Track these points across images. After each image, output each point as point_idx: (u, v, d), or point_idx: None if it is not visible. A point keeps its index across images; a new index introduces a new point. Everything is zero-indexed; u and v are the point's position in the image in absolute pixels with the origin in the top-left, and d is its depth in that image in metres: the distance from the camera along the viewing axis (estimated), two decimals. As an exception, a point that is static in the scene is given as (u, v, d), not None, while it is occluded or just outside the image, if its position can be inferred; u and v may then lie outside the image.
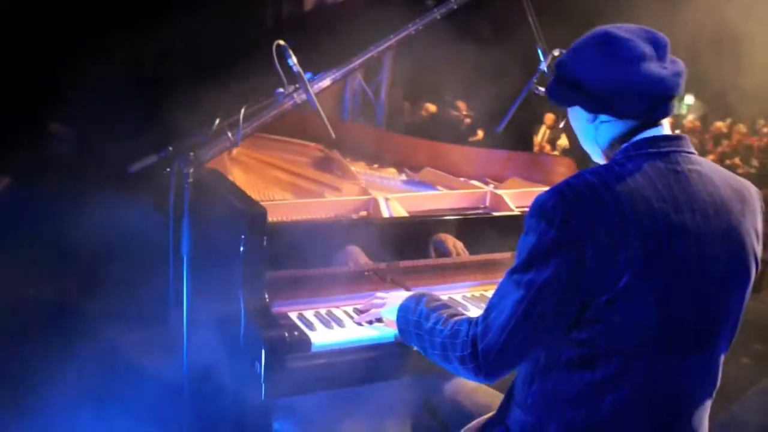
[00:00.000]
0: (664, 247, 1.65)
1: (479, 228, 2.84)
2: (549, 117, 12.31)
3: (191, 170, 2.43)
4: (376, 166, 3.98)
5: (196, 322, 2.51)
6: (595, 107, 1.77)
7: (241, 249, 2.30)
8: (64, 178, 4.42)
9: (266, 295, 2.33)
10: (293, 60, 2.60)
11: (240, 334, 2.30)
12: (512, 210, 3.07)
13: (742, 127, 11.71)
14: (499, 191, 3.23)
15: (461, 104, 10.69)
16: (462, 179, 3.68)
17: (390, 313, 2.22)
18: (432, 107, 10.07)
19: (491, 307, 1.77)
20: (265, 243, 2.33)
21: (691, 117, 13.68)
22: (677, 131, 3.39)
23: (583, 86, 1.75)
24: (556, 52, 3.35)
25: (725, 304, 1.76)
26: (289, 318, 2.39)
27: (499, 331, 1.71)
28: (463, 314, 1.93)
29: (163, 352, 2.72)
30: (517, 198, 3.20)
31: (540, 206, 1.70)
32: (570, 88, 1.79)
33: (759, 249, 1.81)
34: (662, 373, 1.72)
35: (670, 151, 1.75)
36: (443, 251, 2.80)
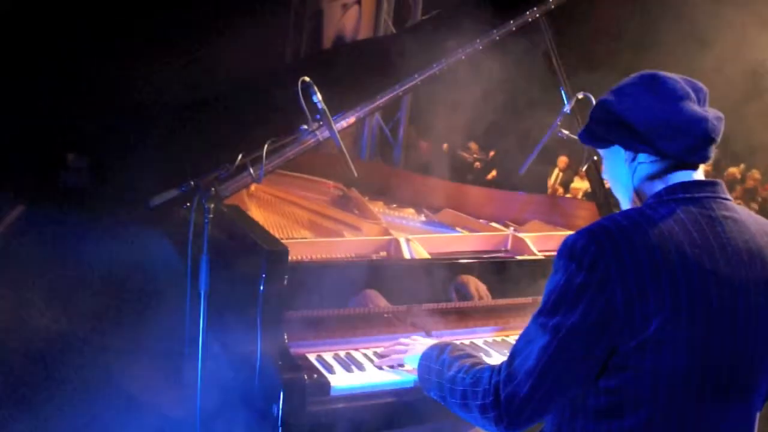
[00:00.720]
0: (697, 293, 1.60)
1: (502, 272, 2.78)
2: (562, 160, 12.30)
3: (212, 206, 2.38)
4: (395, 206, 3.94)
5: (211, 360, 2.45)
6: (636, 145, 1.75)
7: (261, 288, 2.25)
8: (78, 208, 4.40)
9: (285, 336, 2.27)
10: (318, 96, 2.57)
11: (256, 374, 2.23)
12: (535, 254, 3.02)
13: (756, 173, 11.66)
14: (521, 234, 3.18)
15: (473, 145, 10.71)
16: (482, 221, 3.63)
17: (412, 361, 2.16)
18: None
19: (515, 353, 1.71)
20: (285, 282, 2.28)
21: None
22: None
23: (627, 123, 1.74)
24: (580, 95, 3.33)
25: (762, 356, 1.70)
26: (307, 360, 2.33)
27: (525, 378, 1.65)
28: (484, 363, 1.87)
29: (175, 390, 2.65)
30: (539, 241, 3.16)
31: (570, 247, 1.66)
32: (612, 127, 1.78)
33: None
34: (693, 424, 1.65)
35: (705, 197, 1.71)
36: (465, 294, 2.74)
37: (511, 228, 3.59)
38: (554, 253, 3.09)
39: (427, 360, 2.03)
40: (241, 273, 2.39)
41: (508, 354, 2.53)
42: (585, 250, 1.62)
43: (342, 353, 2.42)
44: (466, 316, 2.72)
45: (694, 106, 1.71)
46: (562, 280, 1.64)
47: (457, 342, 2.09)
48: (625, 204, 1.87)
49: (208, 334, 2.40)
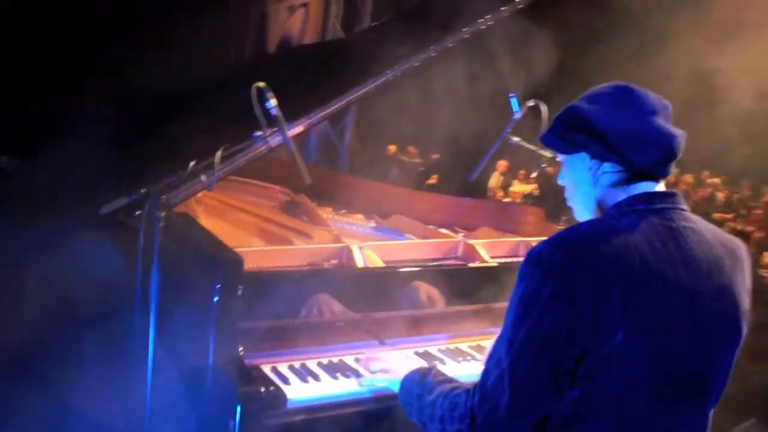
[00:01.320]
0: (661, 303, 1.62)
1: (454, 279, 2.78)
2: (501, 164, 12.45)
3: (163, 214, 2.32)
4: (344, 211, 3.91)
5: (161, 372, 2.38)
6: (605, 155, 1.75)
7: (216, 298, 2.20)
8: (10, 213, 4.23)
9: (240, 348, 2.22)
10: (272, 102, 2.53)
11: (209, 388, 2.18)
12: (486, 260, 3.03)
13: (689, 177, 12.02)
14: (471, 241, 3.19)
15: (412, 149, 10.74)
16: (431, 227, 3.64)
17: (393, 384, 2.13)
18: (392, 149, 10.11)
19: (486, 374, 1.70)
20: (240, 292, 2.23)
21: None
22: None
23: (598, 132, 1.73)
24: (531, 103, 3.36)
25: (717, 361, 1.73)
26: (262, 371, 2.28)
27: (499, 398, 1.64)
28: (464, 386, 1.85)
29: (123, 404, 2.57)
30: (489, 248, 3.17)
31: (537, 257, 1.66)
32: (581, 134, 1.77)
33: (748, 306, 1.80)
34: (655, 429, 1.68)
35: (665, 208, 1.73)
36: (416, 301, 2.73)
37: (461, 234, 3.61)
38: (506, 260, 3.17)
39: (410, 383, 2.00)
40: (194, 283, 2.33)
41: (461, 361, 2.59)
42: (552, 259, 1.62)
43: (297, 364, 2.39)
44: (420, 323, 2.71)
45: (663, 122, 1.73)
46: (530, 290, 1.64)
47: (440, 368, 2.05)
48: (581, 211, 1.87)
49: (158, 346, 2.34)
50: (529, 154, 3.47)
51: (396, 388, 2.09)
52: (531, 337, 1.62)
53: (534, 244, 3.31)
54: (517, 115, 3.36)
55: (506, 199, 11.02)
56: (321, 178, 4.20)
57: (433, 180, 9.56)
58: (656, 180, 1.77)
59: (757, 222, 9.38)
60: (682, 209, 1.76)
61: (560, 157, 1.91)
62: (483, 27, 3.20)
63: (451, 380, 1.94)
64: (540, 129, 3.36)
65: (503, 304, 2.81)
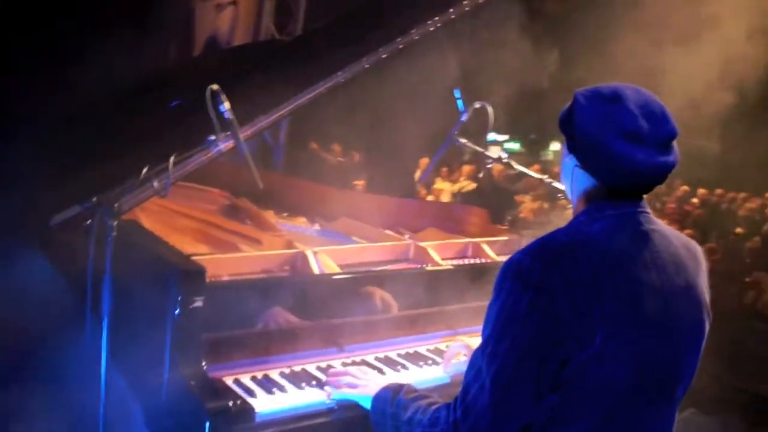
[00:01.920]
0: (636, 304, 1.64)
1: (413, 283, 2.76)
2: (424, 161, 12.52)
3: (115, 223, 2.21)
4: (285, 214, 3.84)
5: (114, 390, 2.28)
6: (573, 150, 1.76)
7: (177, 311, 2.11)
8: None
9: (203, 362, 2.14)
10: (226, 105, 2.46)
11: (173, 405, 2.09)
12: (438, 263, 3.03)
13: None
14: (423, 243, 3.18)
15: (336, 147, 10.68)
16: (374, 228, 3.61)
17: (364, 401, 2.08)
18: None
19: (468, 386, 1.68)
20: (202, 303, 2.15)
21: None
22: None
23: (573, 126, 1.73)
24: (477, 105, 3.38)
25: (686, 359, 1.78)
26: (225, 384, 2.21)
27: (483, 410, 1.63)
28: (440, 402, 1.83)
29: (72, 427, 2.44)
30: (439, 249, 3.17)
31: (515, 267, 1.65)
32: (566, 120, 1.77)
33: (709, 306, 1.85)
34: (630, 429, 1.71)
35: (632, 212, 1.76)
36: (371, 307, 2.70)
37: (407, 236, 3.60)
38: (460, 262, 3.18)
39: (381, 403, 1.95)
40: (151, 296, 2.23)
41: (422, 366, 2.58)
42: (532, 269, 1.62)
43: (259, 375, 2.32)
44: (379, 328, 2.68)
45: (634, 147, 1.66)
46: (510, 300, 1.63)
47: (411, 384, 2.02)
48: (567, 191, 1.88)
49: (111, 366, 2.23)
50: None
51: (366, 404, 2.05)
52: (513, 347, 1.61)
53: (482, 245, 3.38)
54: (464, 117, 3.37)
55: (429, 197, 11.11)
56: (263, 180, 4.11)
57: (360, 182, 9.52)
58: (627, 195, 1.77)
59: (670, 215, 9.75)
60: (648, 212, 1.79)
61: None
62: (428, 29, 3.19)
63: (424, 396, 1.91)
64: (486, 130, 3.39)
65: (460, 306, 2.86)
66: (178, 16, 5.81)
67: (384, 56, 3.01)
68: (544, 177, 3.50)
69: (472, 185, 11.27)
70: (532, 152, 16.05)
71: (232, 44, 5.75)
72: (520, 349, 1.61)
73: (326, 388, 2.24)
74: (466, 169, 12.94)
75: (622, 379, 1.64)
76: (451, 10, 3.20)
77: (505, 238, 3.56)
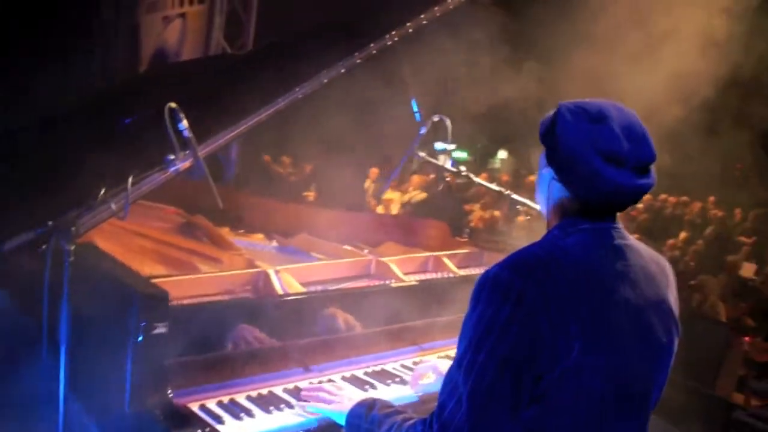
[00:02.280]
0: (610, 318, 1.66)
1: (376, 300, 2.73)
2: (373, 171, 12.52)
3: (72, 247, 2.13)
4: (242, 231, 3.78)
5: (74, 423, 2.20)
6: (551, 162, 1.76)
7: (140, 337, 2.04)
8: None
9: (170, 390, 2.08)
10: (184, 123, 2.40)
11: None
12: (401, 278, 3.01)
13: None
14: (384, 259, 3.16)
15: (286, 159, 10.60)
16: (333, 244, 3.58)
17: (338, 417, 2.05)
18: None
19: (444, 402, 1.67)
20: (166, 329, 2.09)
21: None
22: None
23: (554, 139, 1.73)
24: (435, 118, 3.38)
25: (657, 370, 1.79)
26: (192, 411, 2.14)
27: (461, 425, 1.62)
28: (415, 417, 1.81)
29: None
30: (401, 264, 3.15)
31: (493, 281, 1.65)
32: (548, 132, 1.76)
33: (678, 320, 1.87)
34: None
35: (604, 227, 1.77)
36: (334, 326, 2.66)
37: (366, 250, 3.57)
38: (421, 277, 3.16)
39: (355, 419, 1.94)
40: (112, 322, 2.15)
41: (390, 384, 2.55)
42: (510, 283, 1.62)
43: (225, 399, 2.26)
44: (344, 347, 2.64)
45: (615, 169, 1.67)
46: (488, 313, 1.62)
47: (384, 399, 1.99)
48: (539, 203, 1.89)
49: (69, 398, 2.15)
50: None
51: (340, 420, 2.02)
52: (490, 361, 1.60)
53: (443, 258, 3.38)
54: (423, 131, 3.37)
55: (379, 208, 11.10)
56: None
57: (310, 193, 9.46)
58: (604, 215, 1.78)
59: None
60: (620, 227, 1.80)
61: None
62: (386, 43, 3.17)
63: (399, 411, 1.90)
64: (446, 142, 3.40)
65: (425, 322, 2.85)
66: (123, 28, 5.68)
67: (342, 71, 2.98)
68: (504, 190, 3.52)
69: (422, 195, 11.31)
70: (480, 161, 16.19)
71: (180, 57, 5.65)
72: (498, 362, 1.60)
73: (303, 408, 2.20)
74: (416, 179, 12.99)
75: (598, 392, 1.65)
76: (408, 24, 3.18)
77: (465, 251, 3.56)
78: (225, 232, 3.66)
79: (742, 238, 9.94)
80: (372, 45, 3.06)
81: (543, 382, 1.62)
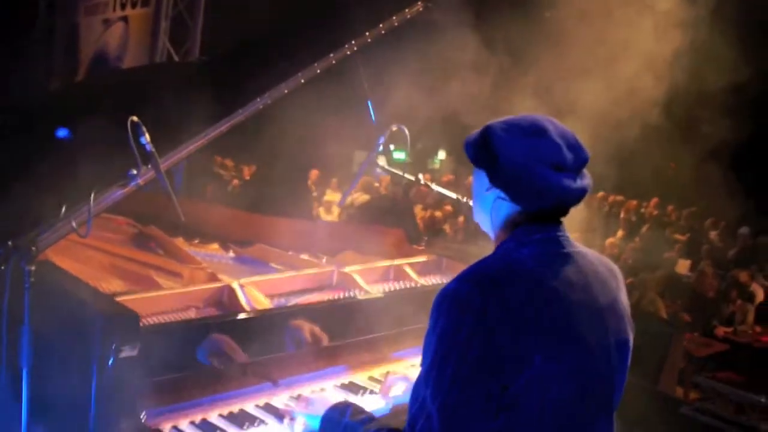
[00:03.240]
0: (569, 325, 1.69)
1: (343, 312, 2.72)
2: (314, 173, 12.46)
3: (33, 268, 2.05)
4: (196, 241, 3.70)
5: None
6: (498, 183, 1.79)
7: (111, 360, 1.98)
8: None
9: (143, 414, 2.02)
10: (147, 138, 2.34)
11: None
12: (365, 289, 2.99)
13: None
14: (347, 269, 3.14)
15: (229, 162, 10.46)
16: (290, 253, 3.54)
17: (312, 421, 2.03)
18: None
19: (414, 419, 1.68)
20: (137, 352, 2.03)
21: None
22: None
23: (496, 161, 1.77)
24: (394, 127, 3.37)
25: (617, 371, 1.83)
26: (164, 434, 2.09)
27: None
28: (389, 427, 1.81)
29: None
30: (362, 274, 3.14)
31: (453, 296, 1.67)
32: (485, 154, 1.80)
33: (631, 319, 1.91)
34: None
35: (556, 236, 1.81)
36: (300, 339, 2.63)
37: (324, 259, 3.54)
38: (384, 286, 3.15)
39: (329, 423, 1.94)
40: (78, 345, 2.08)
41: (359, 396, 2.54)
42: (471, 297, 1.64)
43: (197, 419, 2.21)
44: (312, 360, 2.62)
45: (562, 176, 1.75)
46: (450, 329, 1.64)
47: (356, 403, 1.98)
48: (478, 217, 1.93)
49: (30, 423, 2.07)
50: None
51: (315, 424, 2.01)
52: (457, 375, 1.62)
53: (404, 267, 3.37)
54: (382, 140, 3.36)
55: (320, 209, 11.06)
56: (164, 205, 3.94)
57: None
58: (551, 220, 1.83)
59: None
60: (567, 235, 1.84)
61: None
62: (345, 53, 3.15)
63: (371, 418, 1.91)
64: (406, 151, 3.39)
65: (392, 332, 2.84)
66: (61, 30, 5.50)
67: (303, 81, 2.94)
68: (461, 197, 3.54)
69: (365, 197, 11.30)
70: (420, 162, 16.27)
71: (123, 62, 5.50)
72: (463, 376, 1.62)
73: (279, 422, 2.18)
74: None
75: (563, 397, 1.69)
76: (367, 33, 3.17)
77: (424, 258, 3.57)
78: (179, 242, 3.58)
79: (677, 236, 10.27)
80: (332, 55, 3.03)
81: (510, 392, 1.64)
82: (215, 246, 3.65)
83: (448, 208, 10.95)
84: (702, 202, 11.09)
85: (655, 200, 12.03)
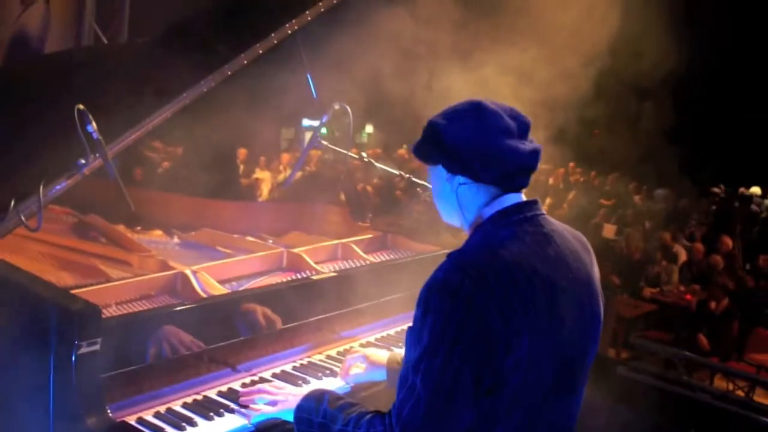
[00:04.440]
0: (552, 304, 1.74)
1: (298, 294, 2.72)
2: (242, 152, 12.30)
3: (-16, 265, 2.00)
4: (139, 228, 3.63)
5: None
6: (455, 168, 1.84)
7: (74, 357, 1.94)
8: None
9: (108, 408, 2.00)
10: (93, 126, 2.29)
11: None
12: (316, 269, 3.01)
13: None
14: (296, 250, 3.15)
15: (158, 144, 10.20)
16: (236, 236, 3.52)
17: (286, 416, 2.02)
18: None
19: (402, 403, 1.70)
20: (99, 346, 2.00)
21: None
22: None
23: (447, 147, 1.82)
24: (336, 106, 3.38)
25: (591, 345, 1.91)
26: (132, 426, 2.07)
27: (422, 424, 1.66)
28: (369, 411, 1.83)
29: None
30: (311, 254, 3.16)
31: (442, 285, 1.70)
32: (437, 148, 1.85)
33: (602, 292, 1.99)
34: (551, 418, 1.81)
35: (533, 216, 1.86)
36: (254, 323, 2.63)
37: (270, 241, 3.54)
38: (333, 265, 3.17)
39: (306, 413, 1.92)
40: (36, 343, 2.03)
41: (321, 377, 2.56)
42: (459, 286, 1.67)
43: (162, 409, 2.20)
44: (269, 343, 2.62)
45: (511, 140, 1.82)
46: (441, 318, 1.67)
47: (329, 388, 1.99)
48: (446, 216, 1.97)
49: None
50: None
51: (289, 418, 2.01)
52: (448, 365, 1.65)
53: (351, 245, 3.40)
54: (325, 119, 3.35)
55: (263, 188, 10.96)
56: (103, 192, 3.85)
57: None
58: (518, 190, 1.89)
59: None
60: (544, 214, 1.90)
61: (429, 168, 1.96)
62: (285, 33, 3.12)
63: (351, 403, 1.90)
64: (348, 130, 3.40)
65: (345, 311, 2.86)
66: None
67: (245, 62, 2.92)
68: (404, 174, 3.58)
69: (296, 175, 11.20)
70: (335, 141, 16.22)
71: (45, 44, 5.28)
72: (455, 364, 1.65)
73: (244, 410, 2.17)
74: (285, 157, 12.90)
75: (545, 373, 1.74)
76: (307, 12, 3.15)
77: (369, 236, 3.60)
78: (121, 230, 3.51)
79: (603, 201, 10.58)
80: (273, 35, 3.01)
81: (498, 374, 1.68)
82: (159, 232, 3.59)
83: (376, 181, 10.99)
84: (625, 167, 11.44)
85: (571, 165, 12.30)
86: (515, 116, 1.86)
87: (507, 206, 1.84)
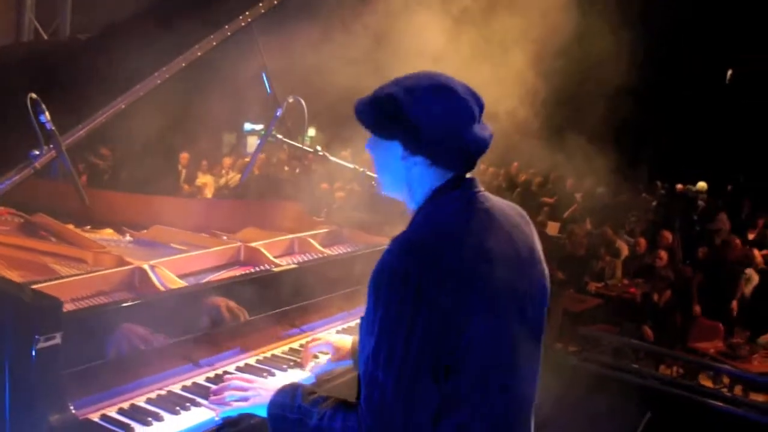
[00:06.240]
0: (501, 280, 1.73)
1: (259, 287, 2.69)
2: (184, 156, 12.13)
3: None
4: (88, 227, 3.53)
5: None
6: (416, 149, 1.79)
7: (33, 352, 1.87)
8: None
9: (71, 405, 1.93)
10: (46, 116, 2.23)
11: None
12: (275, 262, 2.98)
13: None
14: (253, 244, 3.11)
15: (105, 151, 10.02)
16: (190, 233, 3.46)
17: (258, 411, 1.97)
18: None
19: (368, 393, 1.68)
20: (60, 340, 1.93)
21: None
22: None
23: (414, 128, 1.76)
24: (290, 99, 3.36)
25: (542, 314, 1.91)
26: (96, 423, 2.01)
27: (393, 410, 1.65)
28: (342, 403, 1.80)
29: None
30: (268, 248, 3.12)
31: (390, 272, 1.67)
32: (395, 123, 1.78)
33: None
34: (517, 385, 1.81)
35: (473, 193, 1.83)
36: (218, 317, 2.59)
37: (224, 237, 3.49)
38: (291, 258, 3.14)
39: (280, 409, 1.87)
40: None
41: (287, 369, 2.53)
42: (407, 271, 1.65)
43: (125, 405, 2.14)
44: (231, 337, 2.58)
45: (476, 128, 1.79)
46: (392, 306, 1.65)
47: (301, 381, 1.95)
48: (390, 190, 1.91)
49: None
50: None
51: (261, 413, 1.96)
52: (406, 350, 1.64)
53: (308, 239, 3.38)
54: (279, 112, 3.33)
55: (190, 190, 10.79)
56: (46, 192, 3.74)
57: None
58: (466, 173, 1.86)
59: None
60: (482, 190, 1.86)
61: (371, 139, 1.89)
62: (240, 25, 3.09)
63: (325, 398, 1.85)
64: (303, 124, 3.38)
65: (306, 303, 2.84)
66: None
67: (200, 54, 2.87)
68: (358, 167, 3.58)
69: (238, 177, 11.12)
70: (289, 138, 16.12)
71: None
72: (413, 349, 1.64)
73: (212, 405, 2.11)
74: (227, 161, 12.75)
75: (505, 352, 1.74)
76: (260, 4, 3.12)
77: (326, 229, 3.58)
78: (70, 229, 3.41)
79: (545, 199, 10.75)
80: (227, 27, 2.97)
81: (455, 355, 1.67)
82: (109, 231, 3.50)
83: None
84: (566, 166, 11.63)
85: (515, 164, 12.49)
86: (475, 97, 1.81)
87: (446, 182, 1.80)
